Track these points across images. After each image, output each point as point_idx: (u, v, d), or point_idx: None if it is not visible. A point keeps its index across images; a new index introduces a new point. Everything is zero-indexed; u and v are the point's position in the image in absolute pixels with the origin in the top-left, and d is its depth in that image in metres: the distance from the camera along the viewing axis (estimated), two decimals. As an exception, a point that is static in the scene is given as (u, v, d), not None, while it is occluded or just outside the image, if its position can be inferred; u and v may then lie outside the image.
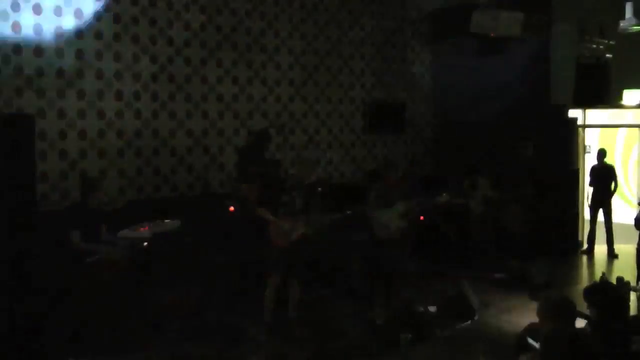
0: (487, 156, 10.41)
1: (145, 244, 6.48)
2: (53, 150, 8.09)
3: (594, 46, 10.05)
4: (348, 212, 7.40)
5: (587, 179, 10.89)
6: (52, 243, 6.30)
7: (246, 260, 7.69)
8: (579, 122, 11.10)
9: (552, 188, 10.51)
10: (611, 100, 10.66)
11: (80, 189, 6.97)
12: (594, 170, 10.71)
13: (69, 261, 6.24)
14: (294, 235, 6.77)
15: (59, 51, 8.08)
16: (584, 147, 11.46)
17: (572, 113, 10.92)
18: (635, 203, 12.22)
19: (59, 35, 8.08)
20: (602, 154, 10.66)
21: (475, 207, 10.04)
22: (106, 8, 8.46)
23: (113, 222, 6.64)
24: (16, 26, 7.73)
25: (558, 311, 4.04)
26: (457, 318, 6.93)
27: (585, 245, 10.91)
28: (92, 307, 6.01)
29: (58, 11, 8.06)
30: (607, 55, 10.10)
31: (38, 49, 7.91)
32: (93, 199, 6.50)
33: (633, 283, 7.17)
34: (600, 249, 10.69)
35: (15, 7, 7.73)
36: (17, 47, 7.76)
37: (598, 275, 7.62)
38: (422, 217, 8.77)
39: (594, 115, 11.47)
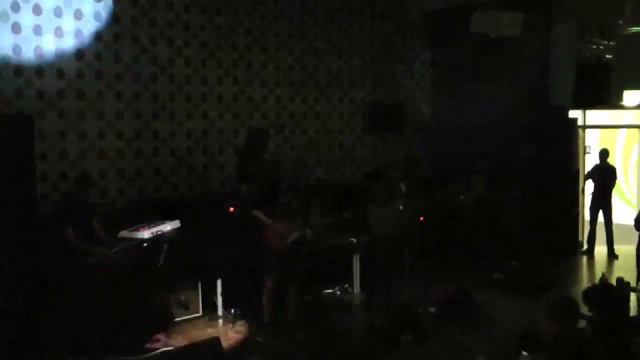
0: (486, 156, 10.41)
1: (145, 244, 6.46)
2: (53, 151, 8.08)
3: (594, 46, 10.04)
4: (345, 215, 7.32)
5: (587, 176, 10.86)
6: (51, 242, 6.29)
7: (245, 261, 7.67)
8: (579, 122, 11.09)
9: (552, 188, 10.52)
10: (611, 101, 10.64)
11: (74, 184, 6.90)
12: (596, 169, 10.67)
13: (67, 260, 6.22)
14: (290, 238, 6.75)
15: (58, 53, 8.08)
16: (584, 147, 11.45)
17: (572, 113, 10.91)
18: (635, 203, 12.24)
19: (59, 35, 8.07)
20: (604, 154, 10.63)
21: (468, 207, 10.04)
22: (105, 9, 8.46)
23: (112, 223, 6.62)
24: (16, 27, 7.72)
25: (562, 311, 4.03)
26: (457, 318, 6.93)
27: (585, 246, 10.90)
28: (92, 307, 6.01)
29: (58, 12, 8.06)
30: (607, 55, 10.09)
31: (38, 50, 7.91)
32: (87, 194, 6.45)
33: (633, 284, 7.18)
34: (601, 250, 10.68)
35: (15, 7, 7.72)
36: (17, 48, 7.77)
37: (598, 275, 7.62)
38: (421, 218, 8.74)
39: (594, 115, 11.46)
